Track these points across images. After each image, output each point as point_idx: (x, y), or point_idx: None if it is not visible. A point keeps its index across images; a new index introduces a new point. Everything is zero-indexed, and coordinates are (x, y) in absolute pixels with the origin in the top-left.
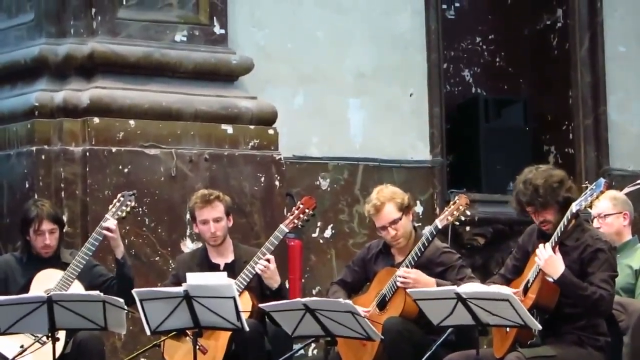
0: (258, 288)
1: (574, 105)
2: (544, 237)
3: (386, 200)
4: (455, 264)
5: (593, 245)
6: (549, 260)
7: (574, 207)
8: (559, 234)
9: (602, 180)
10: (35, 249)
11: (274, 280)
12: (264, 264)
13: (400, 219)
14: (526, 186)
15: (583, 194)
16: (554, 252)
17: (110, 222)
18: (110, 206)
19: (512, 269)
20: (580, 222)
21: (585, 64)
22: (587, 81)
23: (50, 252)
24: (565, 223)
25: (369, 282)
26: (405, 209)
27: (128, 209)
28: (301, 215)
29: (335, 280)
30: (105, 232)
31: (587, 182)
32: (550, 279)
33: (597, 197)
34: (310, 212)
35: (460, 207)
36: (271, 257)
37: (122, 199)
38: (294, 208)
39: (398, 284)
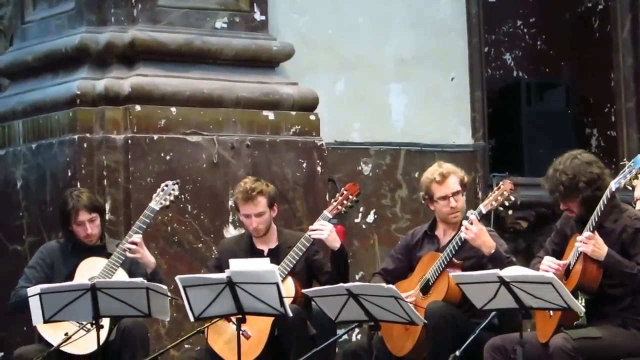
0: (304, 273)
1: (615, 88)
2: (582, 219)
3: (451, 172)
4: (500, 248)
5: (632, 226)
6: (595, 244)
7: (613, 186)
8: (598, 216)
9: (639, 157)
10: (79, 238)
11: (334, 239)
12: (320, 227)
13: (461, 192)
14: (554, 174)
15: (621, 172)
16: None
17: (135, 237)
18: (154, 195)
19: (552, 253)
20: (617, 203)
21: (627, 46)
22: (629, 63)
23: (94, 239)
24: (605, 202)
25: (412, 270)
26: (463, 186)
27: (172, 197)
28: (345, 202)
29: (377, 271)
30: (128, 253)
31: (625, 160)
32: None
33: (635, 175)
34: (354, 198)
35: (505, 192)
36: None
37: (165, 188)
38: (337, 194)
39: (461, 234)
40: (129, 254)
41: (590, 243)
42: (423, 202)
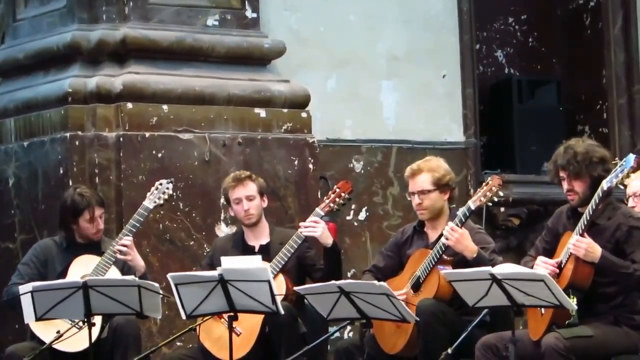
0: (296, 270)
1: (607, 85)
2: (574, 216)
3: (425, 170)
4: (488, 246)
5: (626, 224)
6: (588, 248)
7: (605, 185)
8: (590, 214)
9: (632, 156)
10: (83, 235)
11: (327, 236)
12: (313, 224)
13: (430, 191)
14: (567, 150)
15: (613, 170)
16: (584, 235)
17: (125, 240)
18: (148, 193)
19: (543, 252)
20: (611, 201)
21: (619, 43)
22: (621, 60)
23: (101, 234)
24: (597, 201)
25: (402, 267)
26: (441, 185)
27: (166, 196)
28: (337, 199)
29: (368, 268)
30: (118, 255)
31: (617, 158)
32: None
33: (627, 174)
34: (347, 195)
35: (493, 188)
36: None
37: (159, 186)
38: (330, 192)
39: (443, 239)
40: (119, 256)
41: (582, 247)
42: None
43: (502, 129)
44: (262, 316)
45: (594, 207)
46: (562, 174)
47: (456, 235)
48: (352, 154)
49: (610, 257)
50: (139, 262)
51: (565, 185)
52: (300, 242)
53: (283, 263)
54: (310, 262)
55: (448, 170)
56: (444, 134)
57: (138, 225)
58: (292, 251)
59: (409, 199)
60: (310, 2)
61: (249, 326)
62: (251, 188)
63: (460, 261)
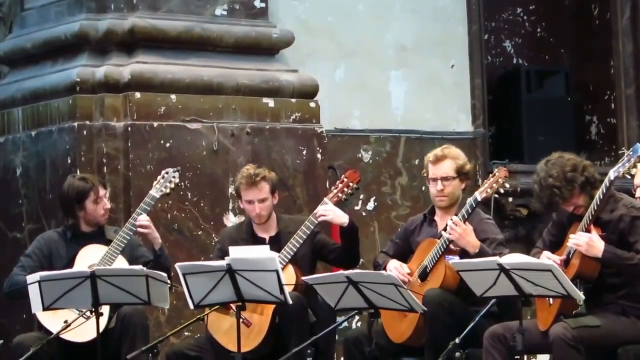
0: (308, 257)
1: (615, 75)
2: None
3: (449, 156)
4: (495, 237)
5: (629, 214)
6: (589, 242)
7: (611, 174)
8: (594, 210)
9: (638, 145)
10: (90, 220)
11: (341, 216)
12: (324, 213)
13: (453, 179)
14: (542, 187)
15: (620, 160)
16: (589, 230)
17: (142, 217)
18: (155, 182)
19: (550, 244)
20: (612, 193)
21: (627, 33)
22: (629, 51)
23: (107, 215)
24: (605, 191)
25: (413, 253)
26: (462, 174)
27: (172, 185)
28: (345, 189)
29: (383, 250)
30: (139, 229)
31: (624, 148)
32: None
33: (634, 164)
34: (355, 185)
35: (500, 180)
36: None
37: (166, 175)
38: (337, 182)
39: (445, 233)
40: (140, 230)
41: (582, 242)
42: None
43: (510, 119)
44: (273, 307)
45: (600, 197)
46: (557, 201)
47: (459, 230)
48: (360, 144)
49: (614, 250)
50: (156, 235)
51: (567, 208)
52: (309, 232)
53: (293, 253)
54: (322, 244)
55: (467, 159)
56: (453, 124)
57: (144, 214)
58: (301, 242)
59: (428, 184)
60: None
61: (260, 317)
62: (264, 190)
63: (467, 251)
